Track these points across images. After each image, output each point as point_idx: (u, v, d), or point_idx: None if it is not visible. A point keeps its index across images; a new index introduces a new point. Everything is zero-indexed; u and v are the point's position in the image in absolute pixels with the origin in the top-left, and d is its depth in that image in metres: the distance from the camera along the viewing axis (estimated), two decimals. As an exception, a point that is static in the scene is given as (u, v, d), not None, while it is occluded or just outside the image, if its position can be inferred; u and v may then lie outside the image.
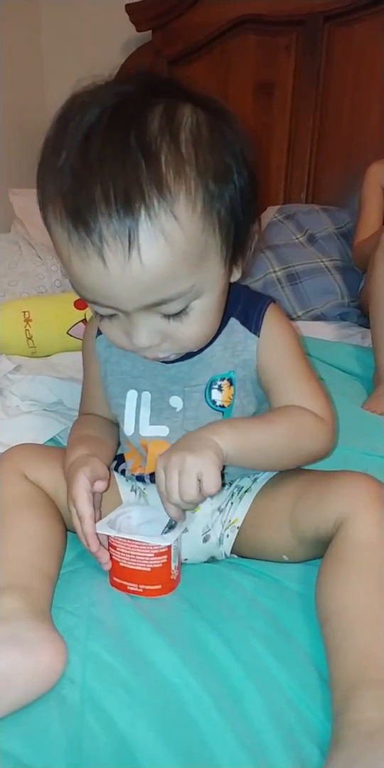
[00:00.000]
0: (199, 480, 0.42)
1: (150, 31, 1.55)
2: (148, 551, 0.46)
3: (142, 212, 0.36)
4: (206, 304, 0.44)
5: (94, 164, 0.37)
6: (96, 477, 0.49)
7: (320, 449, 0.52)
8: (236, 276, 0.48)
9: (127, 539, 0.46)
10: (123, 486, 0.57)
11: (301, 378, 0.52)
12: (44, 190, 0.41)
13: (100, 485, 0.48)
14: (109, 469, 0.57)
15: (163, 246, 0.38)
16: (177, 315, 0.43)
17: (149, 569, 0.47)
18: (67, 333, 0.99)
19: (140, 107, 0.38)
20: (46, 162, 0.41)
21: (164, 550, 0.46)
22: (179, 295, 0.41)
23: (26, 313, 0.98)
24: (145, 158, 0.37)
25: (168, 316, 0.43)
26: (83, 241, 0.38)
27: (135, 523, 0.51)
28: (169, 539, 0.47)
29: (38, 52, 1.78)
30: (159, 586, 0.48)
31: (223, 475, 0.45)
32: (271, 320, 0.53)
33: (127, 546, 0.46)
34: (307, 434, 0.50)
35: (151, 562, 0.47)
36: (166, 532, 0.48)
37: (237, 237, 0.44)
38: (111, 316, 0.44)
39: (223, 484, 0.54)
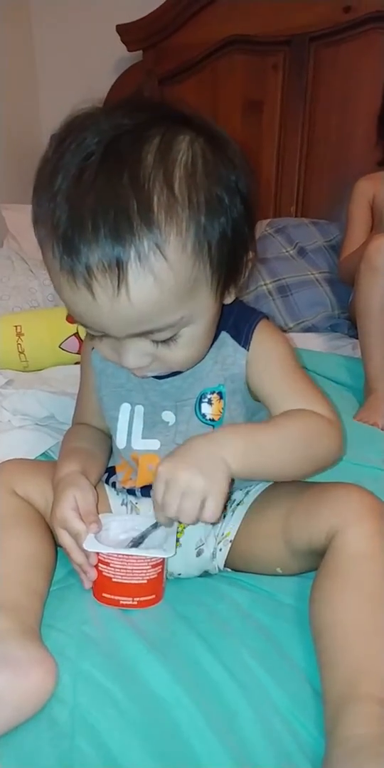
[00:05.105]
0: (201, 502, 0.41)
1: (141, 51, 1.58)
2: (146, 563, 0.46)
3: (132, 253, 0.37)
4: (195, 331, 0.44)
5: (87, 199, 0.37)
6: (86, 504, 0.48)
7: (334, 452, 0.50)
8: (229, 300, 0.49)
9: (123, 554, 0.46)
10: (114, 500, 0.57)
11: (298, 385, 0.51)
12: (39, 209, 0.41)
13: (94, 527, 0.48)
14: (100, 482, 0.57)
15: (152, 285, 0.38)
16: (165, 341, 0.43)
17: (145, 581, 0.46)
18: (59, 347, 0.99)
19: (136, 141, 0.38)
20: (42, 183, 0.41)
21: (161, 559, 0.46)
22: (167, 326, 0.42)
23: (18, 328, 0.98)
24: (137, 198, 0.37)
25: (157, 342, 0.43)
26: (73, 273, 0.38)
27: (113, 534, 0.50)
28: (170, 550, 0.46)
29: (31, 70, 1.80)
30: (153, 596, 0.47)
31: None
32: (262, 334, 0.52)
33: (122, 561, 0.46)
34: (320, 437, 0.48)
35: (147, 573, 0.46)
36: (144, 537, 0.47)
37: (229, 266, 0.44)
38: (101, 336, 0.44)
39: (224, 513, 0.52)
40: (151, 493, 0.43)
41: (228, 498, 0.44)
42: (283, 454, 0.47)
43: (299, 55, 1.41)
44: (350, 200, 1.23)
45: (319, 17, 1.35)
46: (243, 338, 0.52)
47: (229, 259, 0.43)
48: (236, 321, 0.52)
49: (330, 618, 0.41)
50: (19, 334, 0.97)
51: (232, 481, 0.44)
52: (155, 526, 0.47)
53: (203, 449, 0.43)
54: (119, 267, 0.37)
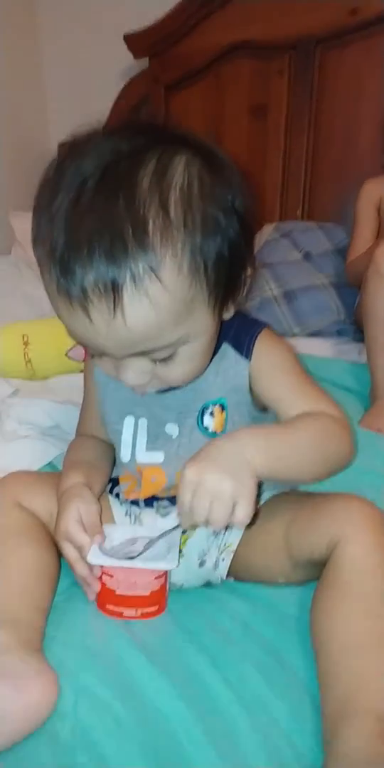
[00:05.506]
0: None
1: (147, 58, 1.59)
2: (149, 575, 0.46)
3: (127, 276, 0.37)
4: (194, 349, 0.45)
5: (84, 223, 0.38)
6: (90, 517, 0.49)
7: (347, 453, 0.50)
8: (228, 315, 0.49)
9: (127, 567, 0.46)
10: (117, 510, 0.57)
11: (306, 388, 0.51)
12: (38, 230, 0.42)
13: (98, 538, 0.48)
14: (104, 493, 0.58)
15: (148, 307, 0.39)
16: (164, 359, 0.43)
17: (148, 593, 0.47)
18: (66, 355, 1.00)
19: (133, 165, 0.39)
20: (41, 204, 0.41)
21: (164, 571, 0.46)
22: (165, 346, 0.42)
23: (25, 337, 0.99)
24: (132, 222, 0.37)
25: (155, 360, 0.44)
26: (70, 296, 0.39)
27: (117, 545, 0.50)
28: (173, 562, 0.46)
29: (39, 78, 1.83)
30: (156, 607, 0.48)
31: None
32: (263, 343, 0.52)
33: (126, 573, 0.46)
34: (333, 438, 0.48)
35: (151, 585, 0.47)
36: (148, 548, 0.47)
37: (227, 284, 0.44)
38: (101, 354, 0.45)
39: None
40: (177, 497, 0.42)
41: (258, 498, 0.44)
42: (300, 455, 0.47)
43: (305, 58, 1.40)
44: (357, 201, 1.22)
45: (324, 20, 1.34)
46: (245, 348, 0.52)
47: (226, 277, 0.44)
48: (237, 332, 0.53)
49: (327, 632, 0.41)
50: (26, 344, 0.98)
51: (261, 482, 0.43)
52: (176, 528, 0.47)
53: (227, 450, 0.43)
54: (114, 290, 0.37)
